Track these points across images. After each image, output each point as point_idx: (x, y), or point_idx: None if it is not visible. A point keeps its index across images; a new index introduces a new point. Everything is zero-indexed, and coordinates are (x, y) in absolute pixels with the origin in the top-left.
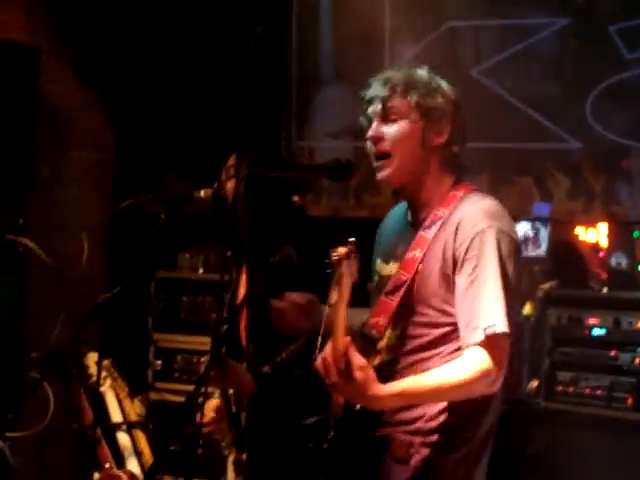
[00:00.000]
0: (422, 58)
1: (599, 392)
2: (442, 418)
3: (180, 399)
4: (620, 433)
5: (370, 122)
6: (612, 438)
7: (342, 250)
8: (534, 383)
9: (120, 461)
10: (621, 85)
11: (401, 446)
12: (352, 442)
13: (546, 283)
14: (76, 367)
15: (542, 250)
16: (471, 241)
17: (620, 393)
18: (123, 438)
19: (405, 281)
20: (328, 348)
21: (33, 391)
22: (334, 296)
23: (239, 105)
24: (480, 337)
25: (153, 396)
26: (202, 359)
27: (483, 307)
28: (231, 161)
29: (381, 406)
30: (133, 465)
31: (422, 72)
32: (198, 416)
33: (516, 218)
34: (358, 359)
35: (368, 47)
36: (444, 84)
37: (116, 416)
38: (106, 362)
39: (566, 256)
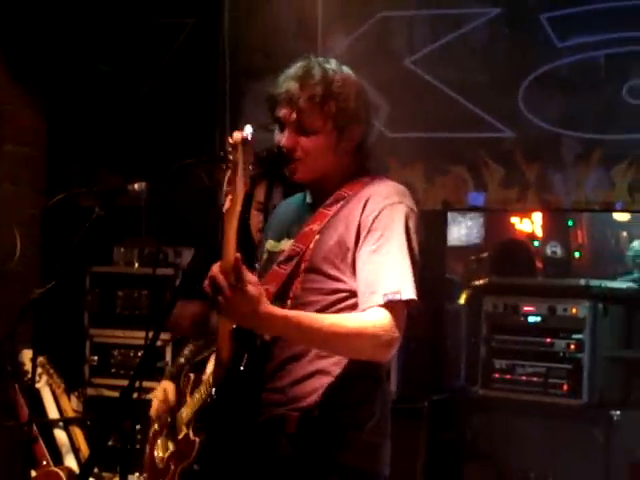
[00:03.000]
0: (355, 49)
1: (535, 379)
2: (332, 393)
3: (117, 394)
4: (556, 419)
5: (279, 121)
6: (548, 424)
7: (237, 135)
8: None
9: (58, 458)
10: (552, 74)
11: (292, 421)
12: (237, 411)
13: (480, 280)
14: (11, 364)
15: (477, 239)
16: (379, 212)
17: (556, 379)
18: (60, 434)
19: (298, 252)
20: (216, 266)
21: None
22: (227, 201)
23: (172, 98)
24: (379, 301)
25: (90, 392)
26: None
27: (386, 274)
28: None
29: (271, 328)
30: (71, 461)
31: (333, 68)
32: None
33: (451, 207)
34: (250, 275)
35: (300, 39)
36: (355, 79)
37: (53, 413)
38: (41, 359)
39: (511, 247)
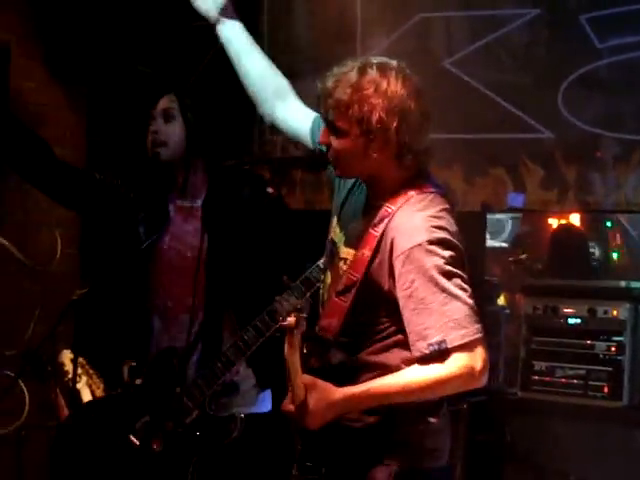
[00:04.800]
0: (394, 50)
1: (575, 381)
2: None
3: None
4: (596, 422)
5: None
6: (588, 427)
7: (291, 320)
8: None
9: None
10: (592, 75)
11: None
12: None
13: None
14: (51, 364)
15: (513, 240)
16: (407, 256)
17: (596, 382)
18: None
19: (355, 282)
20: (288, 399)
21: (8, 389)
22: (286, 349)
23: (210, 100)
24: (425, 351)
25: None
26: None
27: (427, 322)
28: None
29: (351, 407)
30: None
31: (371, 75)
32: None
33: (491, 209)
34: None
35: (340, 40)
36: (395, 86)
37: None
38: (81, 359)
39: (565, 246)
